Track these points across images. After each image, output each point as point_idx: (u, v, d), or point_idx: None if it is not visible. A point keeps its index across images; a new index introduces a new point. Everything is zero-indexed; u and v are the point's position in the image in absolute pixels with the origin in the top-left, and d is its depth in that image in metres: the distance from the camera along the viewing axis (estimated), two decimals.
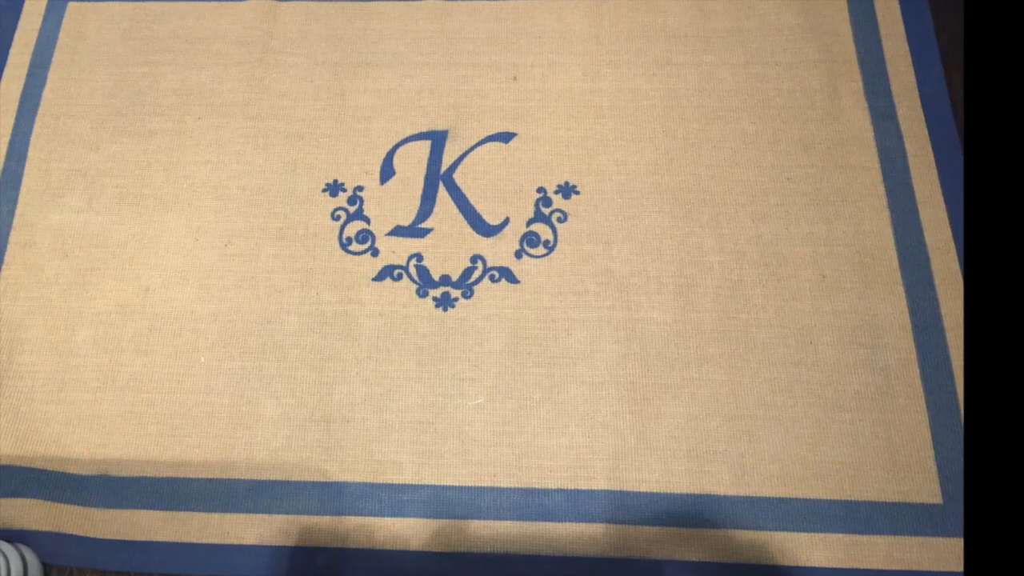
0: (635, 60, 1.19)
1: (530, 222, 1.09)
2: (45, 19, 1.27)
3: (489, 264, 1.08)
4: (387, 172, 1.13)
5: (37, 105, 1.21)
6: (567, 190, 1.11)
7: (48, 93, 1.22)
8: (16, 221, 1.14)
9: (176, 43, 1.24)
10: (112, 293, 1.10)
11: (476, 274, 1.08)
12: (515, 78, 1.19)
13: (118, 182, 1.15)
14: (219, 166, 1.16)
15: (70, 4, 1.28)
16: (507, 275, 1.07)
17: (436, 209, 1.11)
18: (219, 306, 1.08)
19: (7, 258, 1.12)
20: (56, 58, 1.24)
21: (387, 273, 1.08)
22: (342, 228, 1.10)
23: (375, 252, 1.09)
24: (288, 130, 1.17)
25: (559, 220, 1.09)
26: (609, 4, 1.23)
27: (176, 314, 1.09)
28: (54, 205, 1.15)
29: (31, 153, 1.18)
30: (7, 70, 1.24)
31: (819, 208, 1.09)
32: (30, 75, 1.23)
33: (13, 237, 1.13)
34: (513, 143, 1.14)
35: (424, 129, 1.16)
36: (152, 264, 1.11)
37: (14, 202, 1.15)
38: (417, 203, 1.11)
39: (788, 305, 1.06)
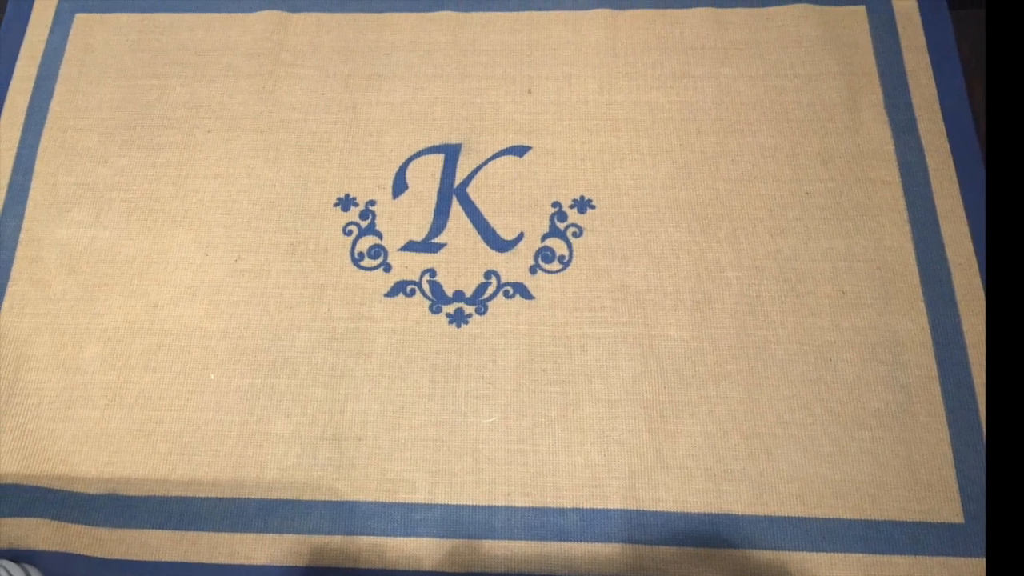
0: (652, 72, 1.25)
1: (545, 237, 1.15)
2: (52, 31, 1.34)
3: (503, 280, 1.13)
4: (400, 186, 1.19)
5: (44, 118, 1.27)
6: (582, 204, 1.16)
7: (55, 106, 1.28)
8: (23, 236, 1.20)
9: (185, 55, 1.31)
10: (120, 309, 1.15)
11: (490, 290, 1.13)
12: (530, 91, 1.25)
13: (126, 196, 1.21)
14: (229, 180, 1.21)
15: (77, 15, 1.35)
16: (521, 291, 1.12)
17: (449, 224, 1.16)
18: (229, 322, 1.13)
19: (14, 273, 1.18)
20: (63, 70, 1.31)
21: (400, 289, 1.13)
22: (354, 243, 1.16)
23: (387, 267, 1.14)
24: (299, 143, 1.23)
25: (574, 235, 1.15)
26: (625, 16, 1.30)
27: (185, 331, 1.13)
28: (61, 220, 1.20)
29: (38, 167, 1.24)
30: (13, 82, 1.30)
31: (839, 223, 1.14)
32: (37, 87, 1.29)
33: (20, 252, 1.19)
34: (528, 157, 1.20)
35: (437, 142, 1.22)
36: (161, 280, 1.16)
37: (21, 216, 1.21)
38: (430, 218, 1.17)
39: (807, 321, 1.10)
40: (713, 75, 1.24)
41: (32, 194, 1.22)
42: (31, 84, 1.29)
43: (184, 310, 1.14)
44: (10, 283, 1.17)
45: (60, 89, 1.29)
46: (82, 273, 1.17)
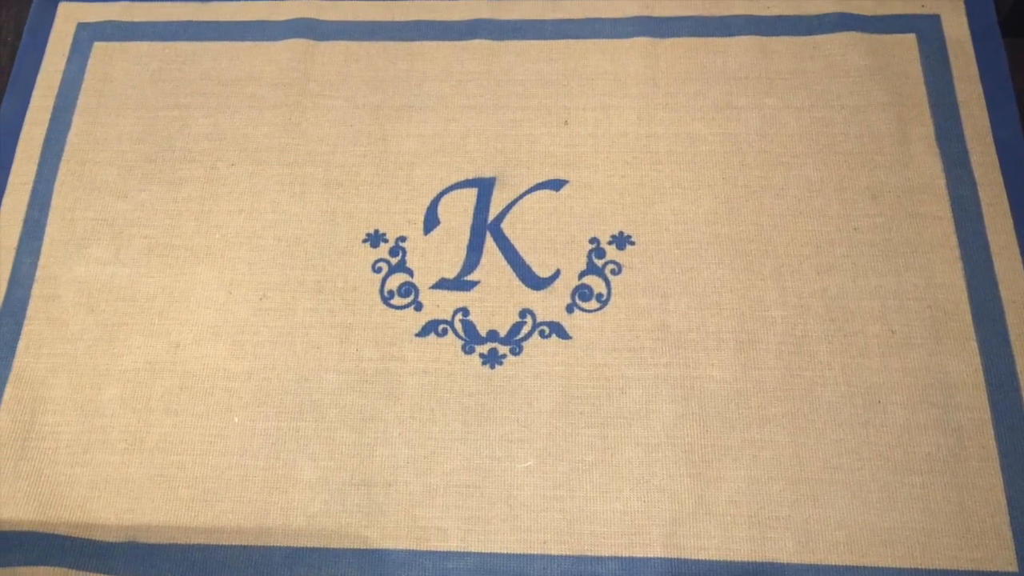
0: (693, 103, 1.35)
1: (582, 274, 1.24)
2: (70, 60, 1.44)
3: (539, 319, 1.22)
4: (431, 221, 1.29)
5: (61, 151, 1.37)
6: (621, 240, 1.26)
7: (73, 138, 1.38)
8: (39, 273, 1.29)
9: (208, 85, 1.41)
10: (140, 349, 1.23)
11: (525, 329, 1.22)
12: (566, 122, 1.35)
13: (147, 232, 1.30)
14: (253, 215, 1.31)
15: (96, 44, 1.45)
16: (558, 331, 1.21)
17: (483, 261, 1.26)
18: (253, 363, 1.22)
19: (30, 312, 1.27)
20: (81, 101, 1.41)
21: (431, 328, 1.22)
22: (383, 281, 1.25)
23: (418, 306, 1.24)
24: (326, 177, 1.33)
25: (613, 272, 1.24)
26: (665, 44, 1.40)
27: (208, 372, 1.22)
28: (79, 256, 1.29)
29: (55, 202, 1.33)
30: (29, 114, 1.40)
31: (888, 260, 1.23)
32: (54, 119, 1.39)
33: (36, 290, 1.28)
34: (564, 191, 1.30)
35: (470, 176, 1.32)
36: (182, 319, 1.25)
37: (37, 253, 1.30)
38: (463, 254, 1.26)
39: (855, 362, 1.17)
40: (757, 106, 1.34)
41: (48, 230, 1.31)
42: (47, 115, 1.39)
43: (207, 350, 1.23)
44: (26, 322, 1.26)
45: (78, 121, 1.39)
46: (101, 312, 1.26)
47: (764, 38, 1.39)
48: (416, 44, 1.43)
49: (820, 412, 1.16)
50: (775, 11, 1.41)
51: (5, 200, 1.34)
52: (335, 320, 1.24)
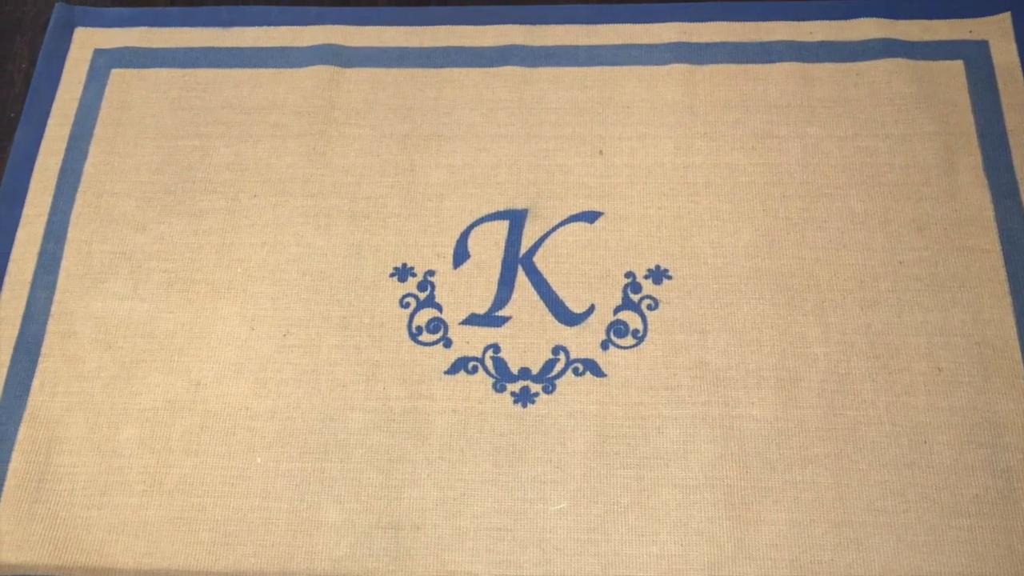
0: (732, 132, 1.43)
1: (617, 310, 1.33)
2: (86, 87, 1.53)
3: (573, 356, 1.30)
4: (461, 255, 1.38)
5: (78, 182, 1.46)
6: (658, 275, 1.34)
7: (89, 168, 1.47)
8: (54, 309, 1.37)
9: (230, 114, 1.50)
10: (159, 388, 1.32)
11: (558, 367, 1.30)
12: (601, 152, 1.43)
13: (166, 266, 1.39)
14: (277, 248, 1.39)
15: (114, 71, 1.54)
16: (592, 368, 1.30)
17: (515, 296, 1.35)
18: (277, 402, 1.30)
19: (45, 349, 1.35)
20: (98, 130, 1.50)
21: (461, 366, 1.31)
22: (411, 316, 1.34)
23: (448, 343, 1.32)
24: (352, 209, 1.41)
25: (649, 308, 1.32)
26: (704, 71, 1.48)
27: (229, 411, 1.31)
28: (96, 291, 1.38)
29: (71, 234, 1.42)
30: (44, 143, 1.49)
31: (934, 295, 1.31)
32: (70, 148, 1.48)
33: (51, 326, 1.36)
34: (599, 223, 1.38)
35: (501, 208, 1.40)
36: (203, 356, 1.34)
37: (52, 288, 1.39)
38: (494, 289, 1.35)
39: (900, 401, 1.25)
40: (799, 135, 1.42)
41: (64, 264, 1.40)
42: (63, 145, 1.48)
43: (228, 389, 1.31)
44: (41, 359, 1.34)
45: (95, 150, 1.48)
46: (118, 349, 1.34)
47: (806, 64, 1.47)
48: (445, 71, 1.51)
49: (864, 452, 1.24)
50: (817, 36, 1.49)
51: (19, 232, 1.42)
52: (361, 357, 1.32)
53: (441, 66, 1.52)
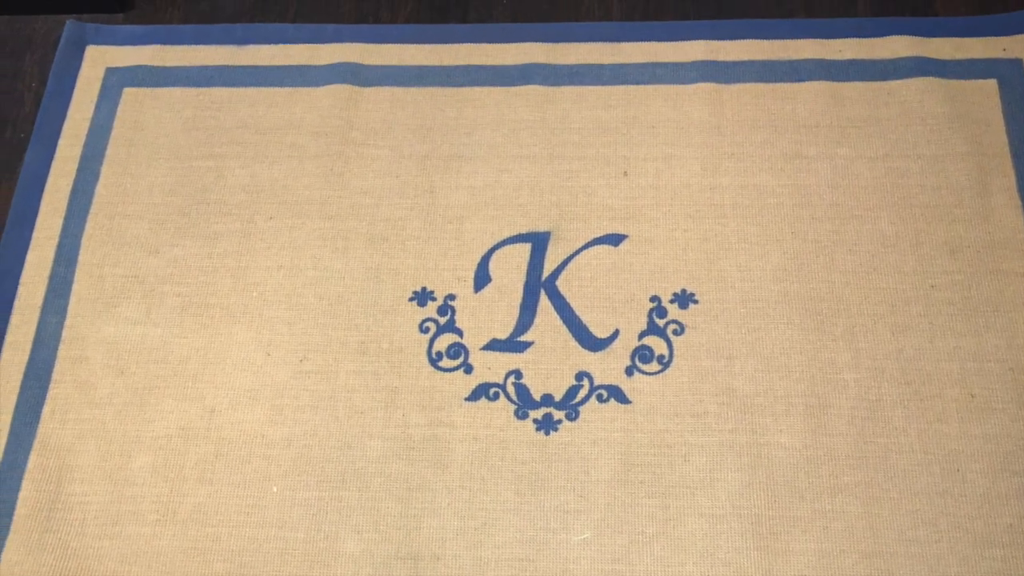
0: (760, 153, 1.48)
1: (642, 335, 1.38)
2: (98, 106, 1.59)
3: (596, 382, 1.35)
4: (482, 279, 1.43)
5: (89, 203, 1.51)
6: (684, 299, 1.39)
7: (101, 190, 1.52)
8: (65, 334, 1.42)
9: (245, 134, 1.55)
10: (173, 415, 1.37)
11: (582, 393, 1.35)
12: (626, 173, 1.49)
13: (180, 290, 1.44)
14: (293, 272, 1.44)
15: (126, 90, 1.59)
16: (616, 394, 1.34)
17: (537, 320, 1.39)
18: (293, 429, 1.35)
19: (55, 375, 1.40)
20: (110, 151, 1.55)
21: (482, 392, 1.36)
22: (431, 342, 1.39)
23: (468, 368, 1.37)
24: (371, 232, 1.47)
25: (675, 332, 1.37)
26: (731, 90, 1.54)
27: (245, 438, 1.35)
28: (108, 316, 1.43)
29: (82, 257, 1.47)
30: (55, 164, 1.54)
31: (967, 319, 1.36)
32: (81, 169, 1.54)
33: (62, 352, 1.41)
34: (623, 246, 1.43)
35: (523, 230, 1.46)
36: (218, 382, 1.39)
37: (63, 312, 1.44)
38: (516, 313, 1.40)
39: (932, 428, 1.30)
40: (828, 156, 1.47)
41: (76, 287, 1.45)
42: (74, 166, 1.53)
43: (244, 416, 1.36)
44: (52, 385, 1.39)
45: (107, 171, 1.53)
46: (131, 375, 1.39)
47: (835, 83, 1.52)
48: (466, 90, 1.57)
49: (895, 481, 1.28)
50: (847, 55, 1.55)
51: (29, 256, 1.48)
52: (380, 383, 1.37)
53: (461, 85, 1.57)
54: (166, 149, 1.55)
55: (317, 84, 1.58)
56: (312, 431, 1.35)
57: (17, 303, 1.46)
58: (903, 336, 1.36)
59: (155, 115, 1.58)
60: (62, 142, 1.56)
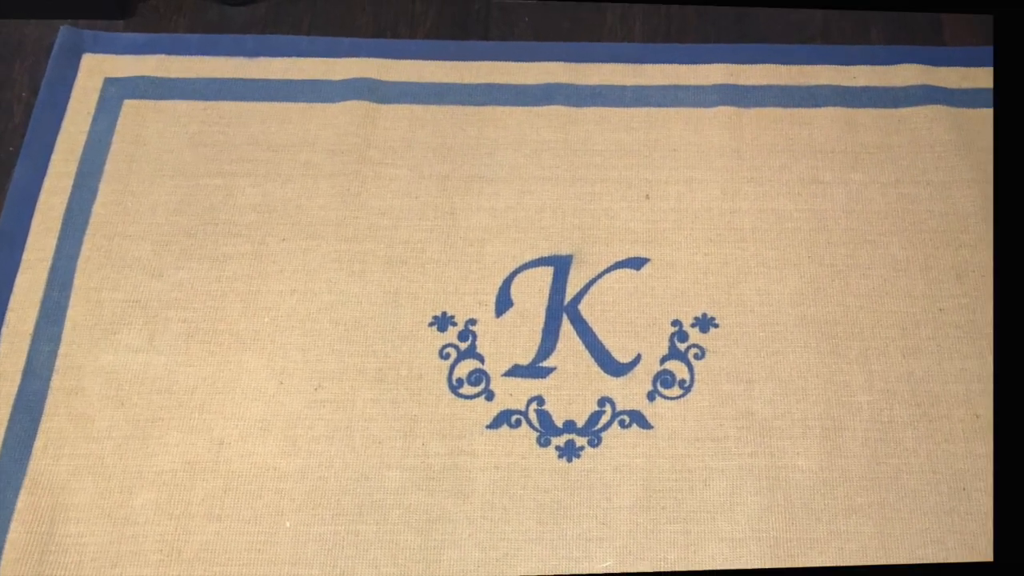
0: (779, 177, 1.53)
1: (664, 359, 1.40)
2: (95, 119, 1.54)
3: (619, 408, 1.37)
4: (503, 303, 1.44)
5: (86, 223, 1.47)
6: (705, 323, 1.43)
7: (99, 208, 1.48)
8: (59, 363, 1.38)
9: (256, 151, 1.53)
10: (178, 448, 1.34)
11: (604, 419, 1.36)
12: (648, 196, 1.51)
13: (185, 315, 1.42)
14: (307, 296, 1.43)
15: (126, 102, 1.56)
16: (639, 420, 1.36)
17: (559, 345, 1.41)
18: (307, 461, 1.34)
19: (48, 408, 1.36)
20: (109, 166, 1.51)
21: (504, 419, 1.36)
22: (452, 368, 1.39)
23: (490, 395, 1.38)
24: (389, 254, 1.46)
25: (696, 357, 1.40)
26: (750, 114, 1.58)
27: (256, 471, 1.33)
28: (106, 343, 1.40)
29: (78, 281, 1.43)
30: (48, 180, 1.49)
31: (973, 342, 1.42)
32: (77, 186, 1.49)
33: (56, 382, 1.37)
34: (645, 270, 1.46)
35: (545, 254, 1.47)
36: (227, 413, 1.37)
37: (57, 340, 1.40)
38: (538, 339, 1.41)
39: (940, 448, 1.36)
40: (843, 181, 1.52)
41: (71, 313, 1.41)
42: (69, 182, 1.49)
43: (254, 447, 1.34)
44: (44, 419, 1.35)
45: (105, 189, 1.49)
46: (132, 406, 1.36)
47: (850, 110, 1.58)
48: (487, 109, 1.57)
49: (906, 500, 1.33)
50: (861, 82, 1.61)
51: (19, 278, 1.43)
52: (398, 412, 1.36)
53: (483, 104, 1.58)
54: (170, 166, 1.52)
55: (333, 100, 1.57)
56: (327, 462, 1.34)
57: (5, 330, 1.41)
58: (913, 359, 1.41)
59: (158, 129, 1.55)
60: (55, 157, 1.52)
